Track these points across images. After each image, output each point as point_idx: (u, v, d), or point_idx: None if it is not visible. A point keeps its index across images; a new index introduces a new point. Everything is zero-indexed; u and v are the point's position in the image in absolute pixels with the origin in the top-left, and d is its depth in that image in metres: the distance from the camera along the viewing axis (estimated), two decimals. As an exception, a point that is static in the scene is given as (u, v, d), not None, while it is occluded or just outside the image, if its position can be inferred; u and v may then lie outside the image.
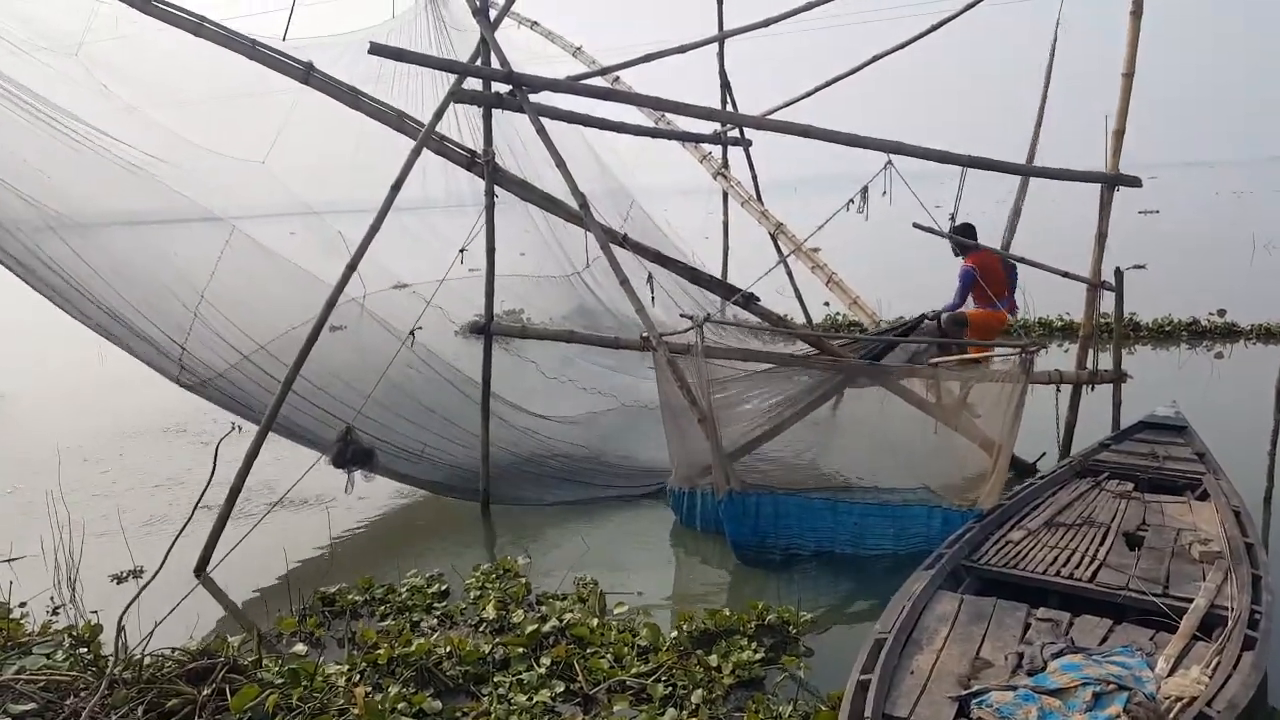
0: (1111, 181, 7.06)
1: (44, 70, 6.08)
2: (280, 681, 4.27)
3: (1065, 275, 7.52)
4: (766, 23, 8.57)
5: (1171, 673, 3.44)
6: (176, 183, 6.35)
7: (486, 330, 7.05)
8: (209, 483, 4.30)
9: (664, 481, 6.80)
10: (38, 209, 5.93)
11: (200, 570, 6.05)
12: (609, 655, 4.58)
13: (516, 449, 7.55)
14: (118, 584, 6.05)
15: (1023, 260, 7.85)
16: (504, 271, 7.39)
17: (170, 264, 6.46)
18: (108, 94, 6.30)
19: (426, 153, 6.68)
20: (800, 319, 11.37)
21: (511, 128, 7.71)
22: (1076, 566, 4.51)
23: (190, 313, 6.11)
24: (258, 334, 6.39)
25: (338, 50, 7.15)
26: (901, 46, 9.68)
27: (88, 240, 6.25)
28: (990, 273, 8.28)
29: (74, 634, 5.02)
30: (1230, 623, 3.75)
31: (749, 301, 7.41)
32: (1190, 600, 4.01)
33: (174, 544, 4.52)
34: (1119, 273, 7.07)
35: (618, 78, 9.25)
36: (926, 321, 7.95)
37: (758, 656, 4.50)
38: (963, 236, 8.39)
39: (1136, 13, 6.86)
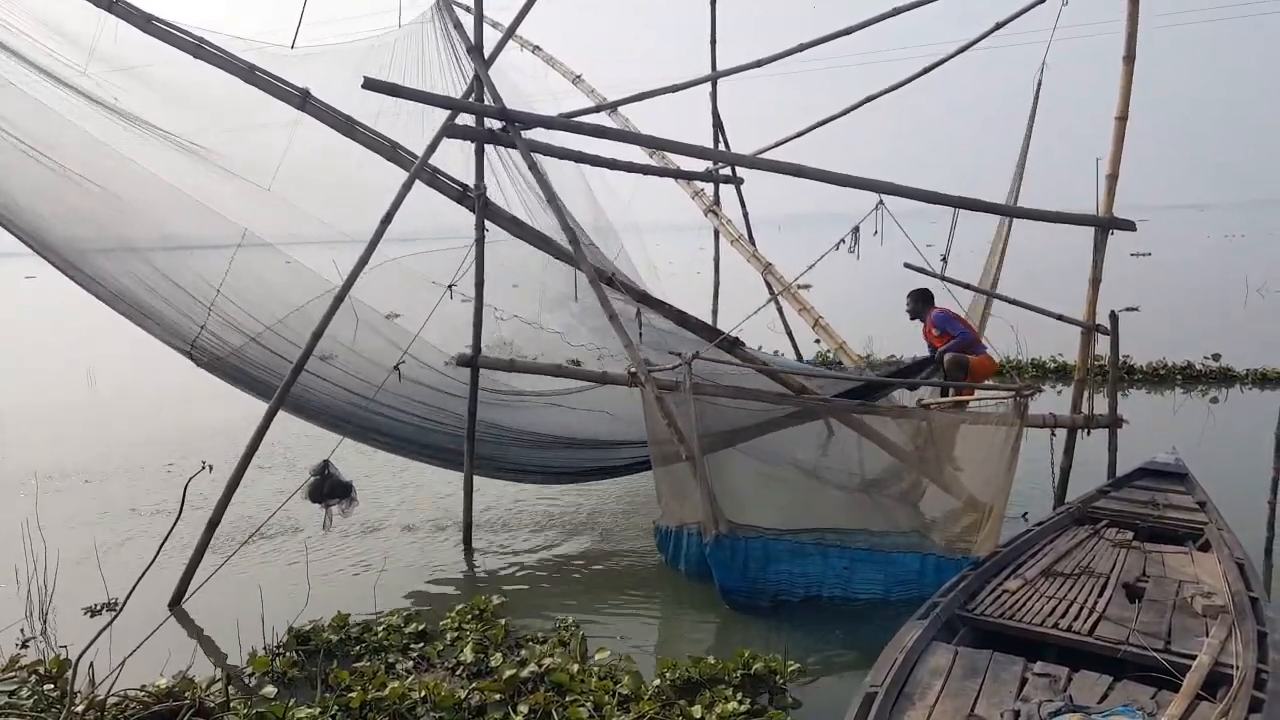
0: (1106, 225, 7.01)
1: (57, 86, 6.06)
2: (246, 727, 4.11)
3: (1059, 318, 7.46)
4: (759, 63, 8.59)
5: (1174, 735, 3.30)
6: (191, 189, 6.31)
7: (473, 363, 6.95)
8: (176, 520, 4.18)
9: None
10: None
11: (175, 603, 5.92)
12: (589, 704, 4.42)
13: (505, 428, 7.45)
14: (91, 617, 5.90)
15: (1017, 302, 7.80)
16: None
17: (188, 262, 6.51)
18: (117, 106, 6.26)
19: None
20: (791, 356, 11.32)
21: (513, 159, 7.65)
22: (1075, 619, 4.37)
23: (205, 305, 6.24)
24: (265, 317, 6.47)
25: (343, 56, 7.15)
26: (895, 88, 9.74)
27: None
28: (962, 320, 8.36)
29: (40, 670, 4.87)
30: (1235, 682, 3.61)
31: (734, 346, 7.32)
32: (1193, 656, 3.87)
33: (140, 580, 4.38)
34: (1114, 316, 6.99)
35: (615, 110, 9.28)
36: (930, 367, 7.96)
37: (743, 708, 4.35)
38: (921, 301, 8.55)
39: (1129, 58, 6.87)
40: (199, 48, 6.15)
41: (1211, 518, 5.75)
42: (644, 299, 7.24)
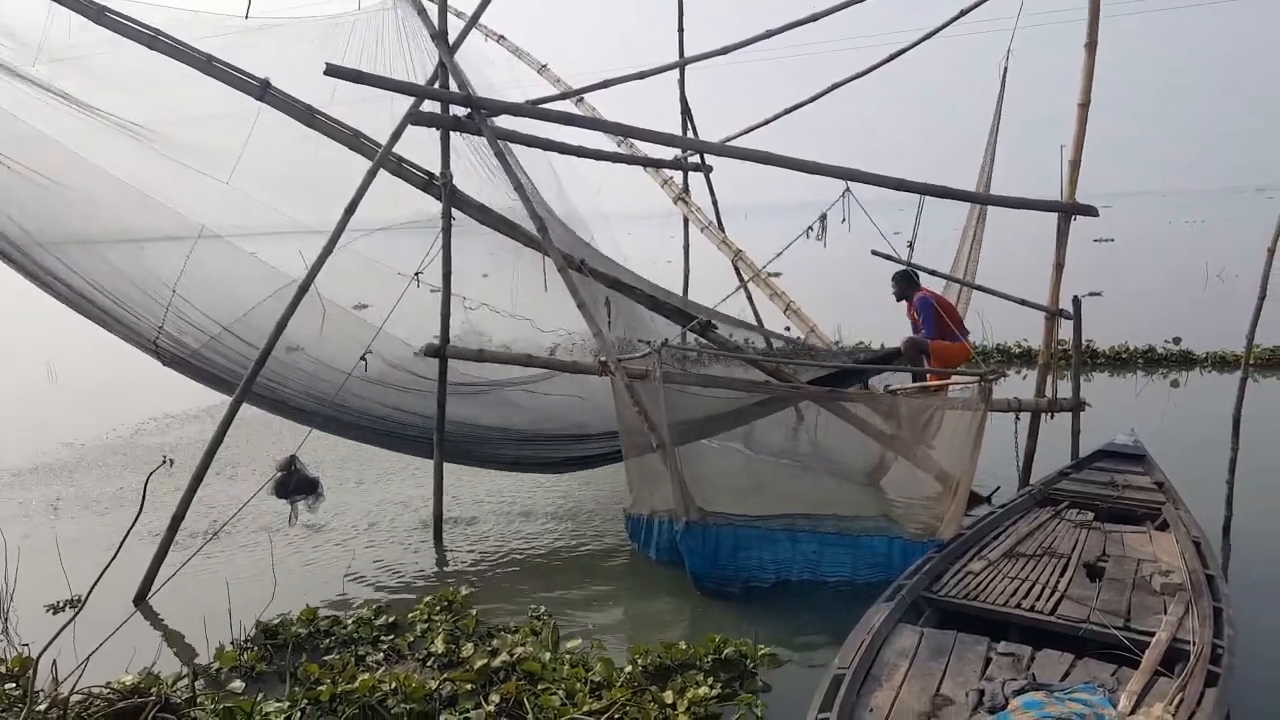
0: (1069, 211, 7.10)
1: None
2: (213, 722, 4.07)
3: (1023, 303, 7.56)
4: (725, 50, 8.56)
5: (1134, 710, 3.37)
6: (145, 187, 6.18)
7: (442, 353, 6.89)
8: (138, 515, 4.11)
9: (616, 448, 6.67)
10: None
11: (140, 599, 5.84)
12: (560, 691, 4.42)
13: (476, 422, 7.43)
14: (53, 614, 5.79)
15: (981, 288, 7.89)
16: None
17: (142, 260, 6.40)
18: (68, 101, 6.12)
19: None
20: (760, 343, 11.36)
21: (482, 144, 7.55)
22: (1038, 599, 4.45)
23: (163, 304, 6.14)
24: (224, 316, 6.38)
25: (300, 34, 7.09)
26: (859, 75, 9.78)
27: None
28: (945, 306, 8.39)
29: (1, 669, 4.81)
30: (1193, 658, 3.70)
31: (706, 329, 7.33)
32: (1152, 634, 3.96)
33: (102, 575, 4.30)
34: (1077, 301, 7.10)
35: (582, 99, 9.22)
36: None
37: (714, 693, 4.37)
38: (905, 284, 8.54)
39: (1091, 45, 6.94)
40: (154, 39, 6.04)
41: (1169, 497, 5.87)
42: (615, 284, 7.22)
